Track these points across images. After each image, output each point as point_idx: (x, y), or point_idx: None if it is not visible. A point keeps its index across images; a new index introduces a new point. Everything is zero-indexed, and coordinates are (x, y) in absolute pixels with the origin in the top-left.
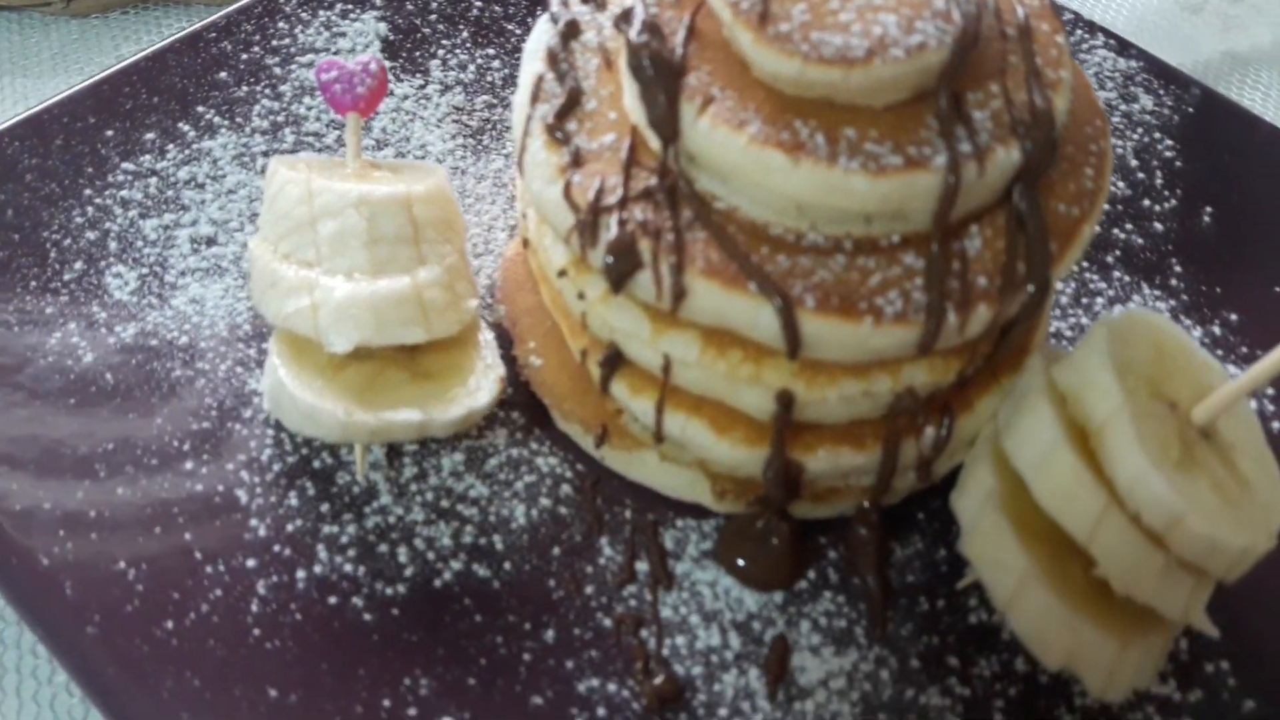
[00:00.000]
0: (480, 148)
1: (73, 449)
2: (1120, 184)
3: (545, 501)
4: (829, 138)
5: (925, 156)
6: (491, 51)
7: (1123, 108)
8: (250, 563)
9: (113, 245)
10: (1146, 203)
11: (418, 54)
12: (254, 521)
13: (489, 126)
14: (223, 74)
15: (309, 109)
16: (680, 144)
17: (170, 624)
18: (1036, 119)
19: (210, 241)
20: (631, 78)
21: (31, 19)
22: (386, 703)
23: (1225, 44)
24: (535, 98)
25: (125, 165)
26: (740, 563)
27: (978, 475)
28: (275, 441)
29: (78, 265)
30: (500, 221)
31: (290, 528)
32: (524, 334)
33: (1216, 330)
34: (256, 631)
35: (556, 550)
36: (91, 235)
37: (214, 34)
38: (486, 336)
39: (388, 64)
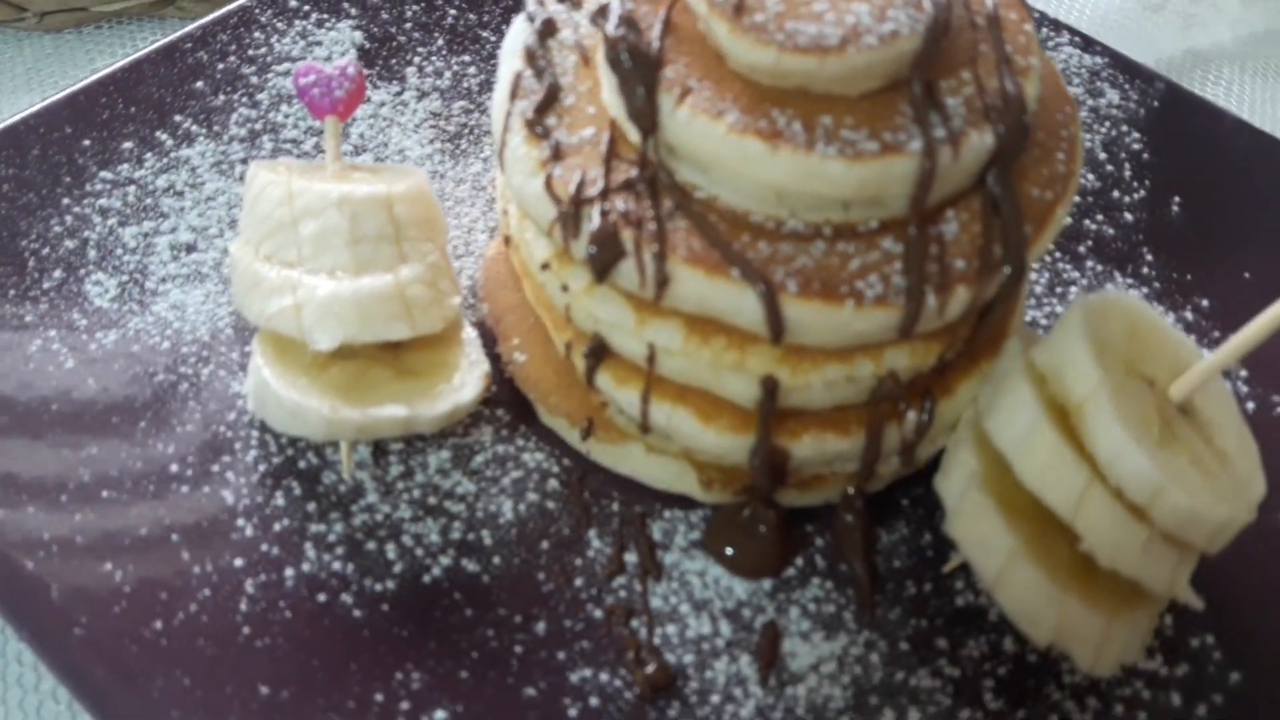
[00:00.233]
0: (458, 152)
1: (55, 454)
2: (1090, 176)
3: (533, 496)
4: (806, 125)
5: (901, 142)
6: (467, 58)
7: (1090, 103)
8: (238, 562)
9: (92, 253)
10: (1116, 194)
11: (394, 61)
12: (241, 521)
13: (466, 131)
14: (199, 83)
15: (286, 116)
16: (659, 135)
17: (159, 624)
18: (1008, 104)
19: (190, 248)
20: (609, 71)
21: (3, 34)
22: (379, 697)
23: (1186, 42)
24: (514, 94)
25: (103, 174)
26: (729, 551)
27: (960, 457)
28: (260, 443)
29: (57, 274)
30: (480, 224)
31: (278, 527)
32: (507, 331)
33: (1189, 316)
34: (246, 630)
35: (545, 544)
36: (70, 244)
37: (190, 44)
38: (470, 334)
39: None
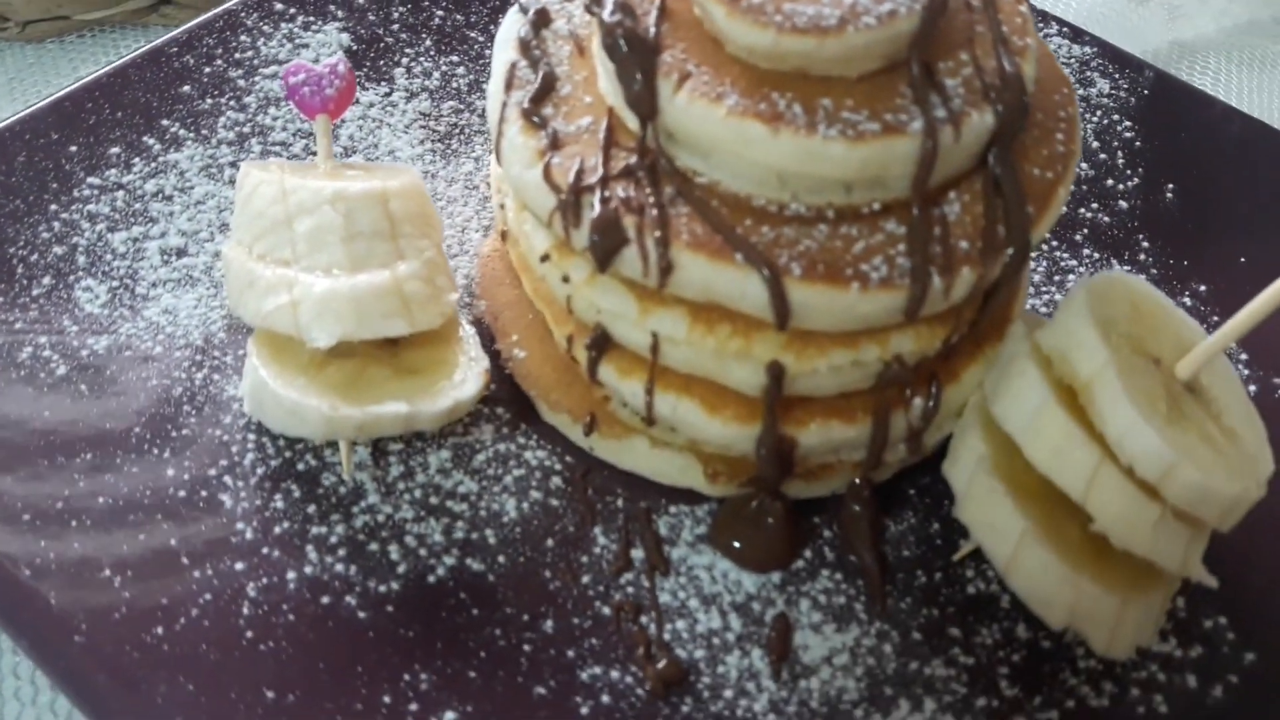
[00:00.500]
0: (449, 152)
1: (49, 462)
2: (1084, 165)
3: (536, 494)
4: (806, 107)
5: (902, 123)
6: (456, 59)
7: (1080, 92)
8: (239, 566)
9: (81, 259)
10: (1110, 182)
11: (382, 62)
12: (240, 525)
13: (457, 131)
14: (186, 87)
15: (275, 119)
16: (659, 121)
17: (160, 629)
18: (1007, 83)
19: (180, 252)
20: (607, 58)
21: None
22: (387, 699)
23: (1172, 33)
24: (509, 85)
25: (91, 180)
26: (736, 545)
27: (968, 442)
28: (257, 446)
29: (46, 280)
30: (474, 223)
31: (278, 530)
32: (506, 328)
33: (1187, 301)
34: (249, 634)
35: (550, 542)
36: (59, 250)
37: (176, 49)
38: (468, 331)
39: None
